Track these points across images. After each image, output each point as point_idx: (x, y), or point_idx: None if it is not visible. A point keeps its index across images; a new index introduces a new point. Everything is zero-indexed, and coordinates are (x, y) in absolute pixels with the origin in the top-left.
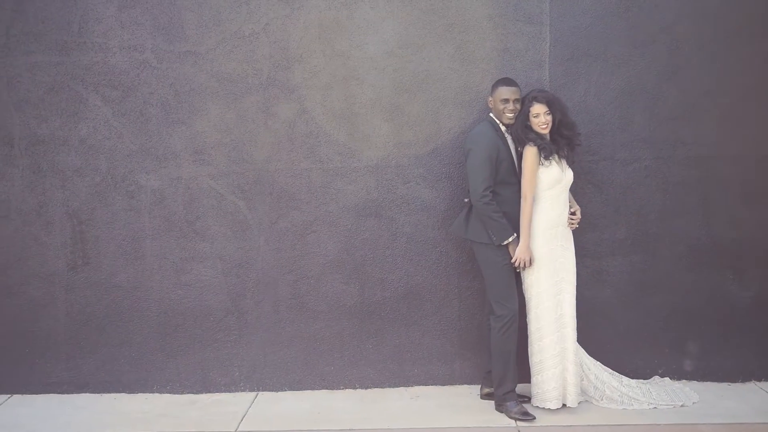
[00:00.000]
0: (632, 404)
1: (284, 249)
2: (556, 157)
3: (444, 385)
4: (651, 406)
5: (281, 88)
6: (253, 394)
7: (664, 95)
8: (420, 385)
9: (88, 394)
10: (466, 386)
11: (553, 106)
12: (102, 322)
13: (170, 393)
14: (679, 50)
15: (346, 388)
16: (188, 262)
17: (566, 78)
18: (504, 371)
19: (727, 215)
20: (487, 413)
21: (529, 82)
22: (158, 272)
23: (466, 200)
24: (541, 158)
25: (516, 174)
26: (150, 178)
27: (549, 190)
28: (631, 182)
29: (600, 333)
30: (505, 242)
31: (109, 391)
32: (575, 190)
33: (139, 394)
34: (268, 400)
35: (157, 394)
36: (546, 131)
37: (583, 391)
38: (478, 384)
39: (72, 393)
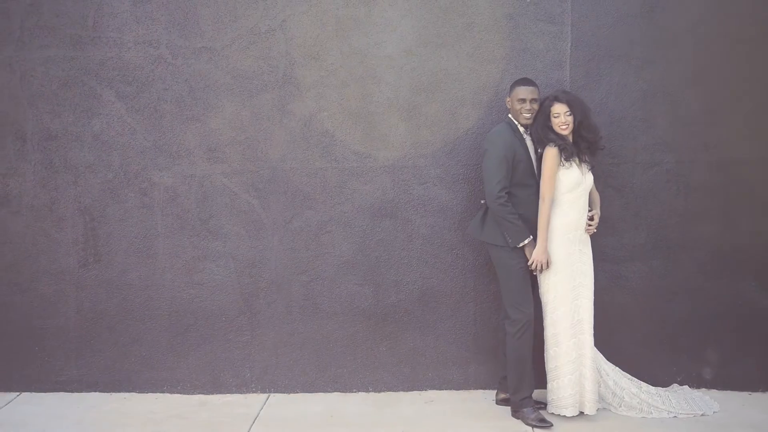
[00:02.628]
0: (651, 412)
1: (298, 249)
2: (576, 159)
3: (459, 389)
4: (671, 415)
5: (297, 86)
6: (265, 395)
7: (687, 98)
8: (434, 389)
9: (97, 393)
10: (481, 391)
11: (574, 106)
12: (112, 321)
13: (181, 393)
14: (703, 52)
15: (359, 391)
16: (201, 261)
17: (587, 79)
18: (520, 377)
19: (750, 221)
20: (502, 419)
21: (549, 82)
22: (170, 271)
23: (482, 201)
24: (562, 159)
25: (534, 176)
26: (163, 176)
27: (568, 193)
28: (652, 186)
29: (617, 339)
30: (521, 245)
31: (118, 390)
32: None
33: (149, 393)
34: (279, 402)
35: (167, 394)
36: (566, 132)
37: (601, 398)
38: (493, 389)
39: (82, 392)
